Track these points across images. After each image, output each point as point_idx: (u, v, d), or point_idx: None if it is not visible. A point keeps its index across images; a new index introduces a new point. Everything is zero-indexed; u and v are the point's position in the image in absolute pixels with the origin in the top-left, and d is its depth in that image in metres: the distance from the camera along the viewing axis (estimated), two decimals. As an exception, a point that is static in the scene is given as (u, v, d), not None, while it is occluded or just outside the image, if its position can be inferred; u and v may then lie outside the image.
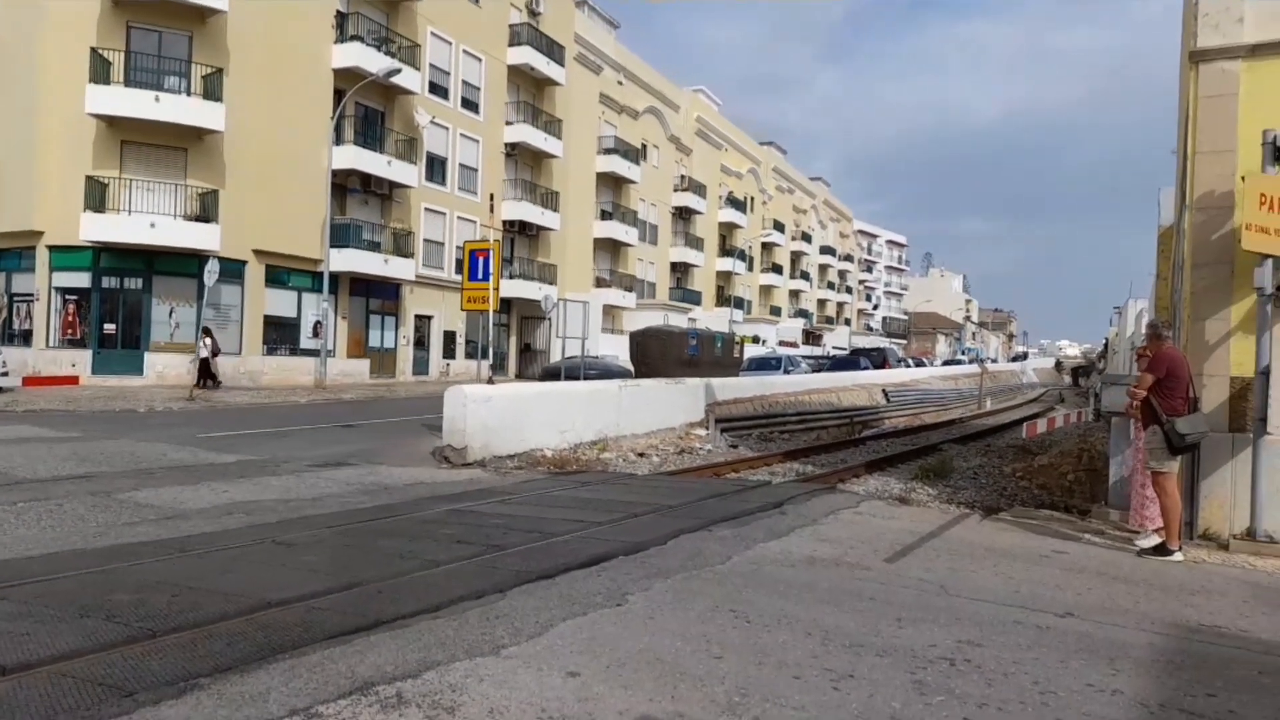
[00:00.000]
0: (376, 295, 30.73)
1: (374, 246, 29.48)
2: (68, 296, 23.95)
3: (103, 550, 6.09)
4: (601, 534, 7.00)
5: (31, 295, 24.01)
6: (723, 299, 59.59)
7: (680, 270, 55.21)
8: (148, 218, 23.24)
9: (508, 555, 6.12)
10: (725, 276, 60.60)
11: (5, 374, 19.87)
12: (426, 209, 32.80)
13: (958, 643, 4.55)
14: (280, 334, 27.12)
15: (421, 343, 33.29)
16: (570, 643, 4.27)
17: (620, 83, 47.34)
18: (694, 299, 54.39)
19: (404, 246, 30.60)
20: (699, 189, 55.17)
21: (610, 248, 46.23)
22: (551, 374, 27.12)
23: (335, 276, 27.41)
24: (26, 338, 23.96)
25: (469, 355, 34.63)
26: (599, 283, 44.57)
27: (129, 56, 23.62)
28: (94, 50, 22.98)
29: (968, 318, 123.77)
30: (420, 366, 32.98)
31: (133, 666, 3.80)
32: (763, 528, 7.37)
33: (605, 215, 45.13)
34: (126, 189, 23.47)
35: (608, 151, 44.63)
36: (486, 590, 5.13)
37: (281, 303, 27.12)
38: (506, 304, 35.99)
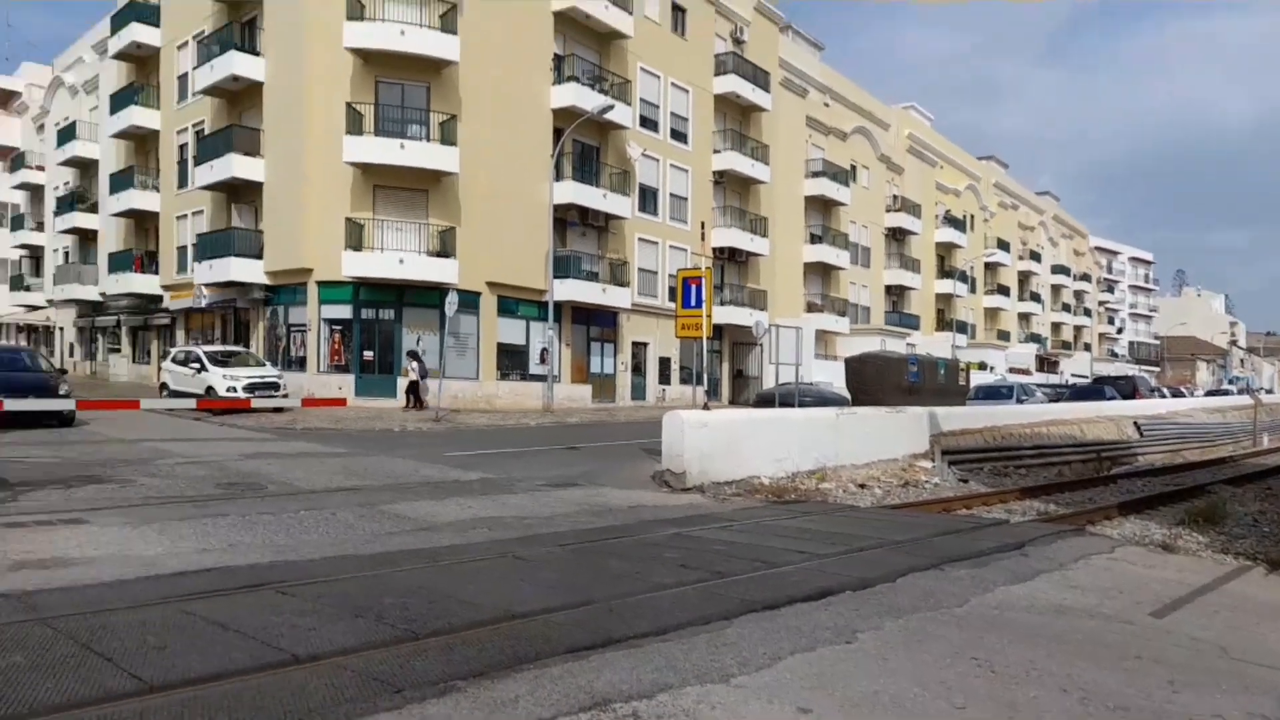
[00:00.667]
0: (596, 323, 32.06)
1: (592, 276, 30.84)
2: (333, 326, 26.94)
3: (370, 557, 6.76)
4: (826, 566, 6.86)
5: (304, 326, 27.23)
6: (943, 323, 56.81)
7: (895, 293, 53.29)
8: (397, 254, 25.73)
9: (732, 583, 6.14)
10: (945, 299, 57.76)
11: (286, 395, 22.61)
12: (640, 239, 33.88)
13: (1248, 715, 4.04)
14: (511, 360, 28.95)
15: (639, 369, 34.27)
16: (800, 677, 4.22)
17: (826, 104, 46.73)
18: (911, 323, 52.25)
19: (620, 276, 31.76)
20: (913, 208, 53.14)
21: (821, 271, 45.51)
22: (765, 400, 26.98)
23: (559, 305, 28.92)
24: (301, 363, 27.15)
25: (684, 381, 35.22)
26: (810, 307, 43.94)
27: (378, 109, 26.39)
28: (349, 105, 25.89)
29: (1233, 342, 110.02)
30: (638, 392, 33.96)
31: (400, 664, 4.18)
32: (1003, 570, 6.91)
33: (815, 239, 44.53)
34: (379, 229, 26.12)
35: (815, 174, 44.10)
36: (713, 617, 5.18)
37: (512, 331, 28.98)
38: (719, 330, 36.30)
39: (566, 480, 12.13)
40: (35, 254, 49.34)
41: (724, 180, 37.97)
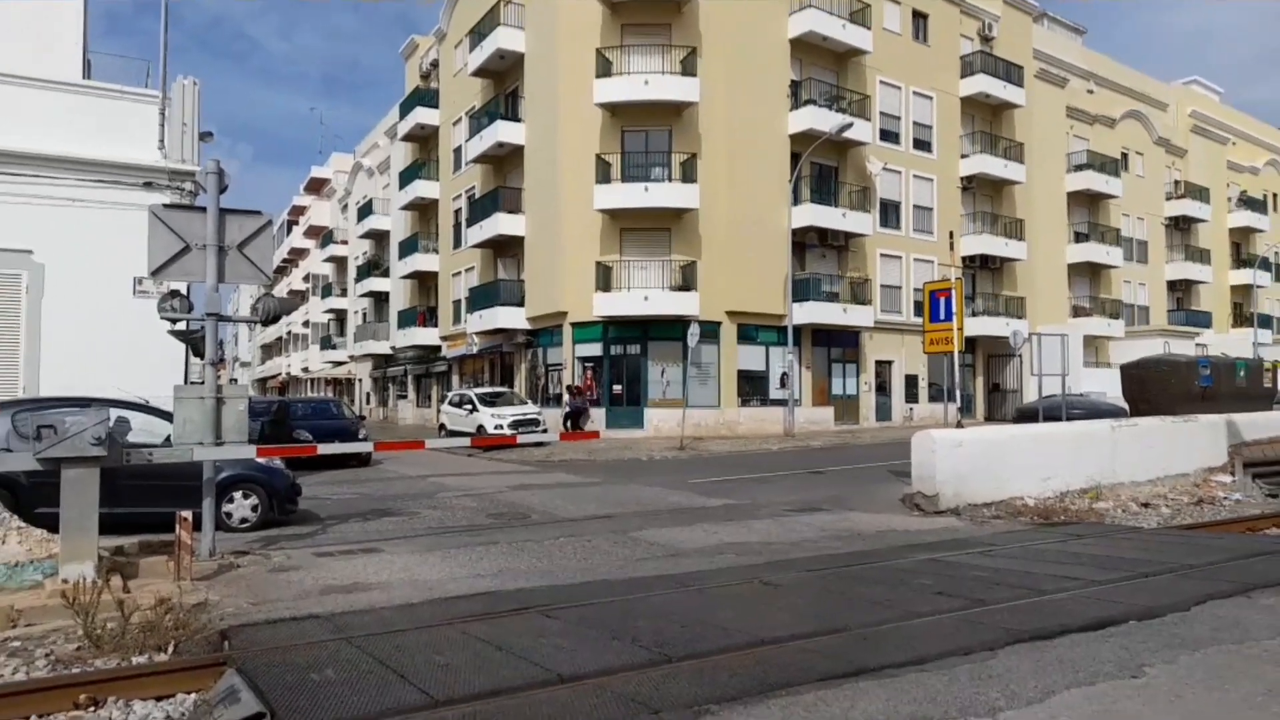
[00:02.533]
0: (837, 344, 31.41)
1: (832, 297, 30.30)
2: (585, 363, 28.54)
3: (624, 581, 7.08)
4: (1103, 594, 6.25)
5: (560, 364, 29.09)
6: (1241, 318, 49.68)
7: (1180, 289, 47.41)
8: (642, 292, 26.83)
9: (994, 611, 5.77)
10: (1242, 291, 50.48)
11: (545, 430, 24.22)
12: (882, 254, 32.84)
13: None
14: (751, 386, 29.06)
15: (883, 388, 33.12)
16: (1078, 715, 3.88)
17: (1090, 91, 42.84)
18: (1201, 321, 46.20)
19: (861, 294, 30.97)
20: (1199, 193, 47.11)
21: (1088, 272, 41.56)
22: (1028, 415, 25.01)
23: (798, 329, 28.69)
24: (558, 400, 28.99)
25: (932, 399, 33.54)
26: (1076, 311, 40.22)
27: (624, 157, 27.81)
28: (598, 156, 27.51)
29: None
30: (882, 412, 32.78)
31: (656, 686, 4.34)
32: (1329, 600, 5.93)
33: (1080, 237, 40.80)
34: (625, 269, 27.41)
35: (1079, 168, 40.49)
36: (975, 647, 4.90)
37: (751, 357, 29.11)
38: (971, 343, 34.23)
39: (811, 505, 11.97)
40: (340, 316, 57.04)
41: (973, 185, 35.94)
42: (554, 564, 7.94)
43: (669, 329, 27.01)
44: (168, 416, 8.77)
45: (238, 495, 10.34)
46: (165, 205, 8.96)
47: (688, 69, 27.36)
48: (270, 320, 9.39)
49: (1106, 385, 28.52)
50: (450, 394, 30.78)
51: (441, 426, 27.88)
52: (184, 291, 9.73)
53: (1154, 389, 18.70)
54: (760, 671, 4.53)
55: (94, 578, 6.11)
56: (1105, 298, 41.67)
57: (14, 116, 12.86)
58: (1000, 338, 31.99)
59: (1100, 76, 44.07)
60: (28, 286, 12.79)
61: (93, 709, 4.20)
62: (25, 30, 14.06)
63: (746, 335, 28.77)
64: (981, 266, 36.15)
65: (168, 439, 8.78)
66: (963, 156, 35.49)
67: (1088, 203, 41.59)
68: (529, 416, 25.12)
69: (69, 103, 13.43)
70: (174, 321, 9.08)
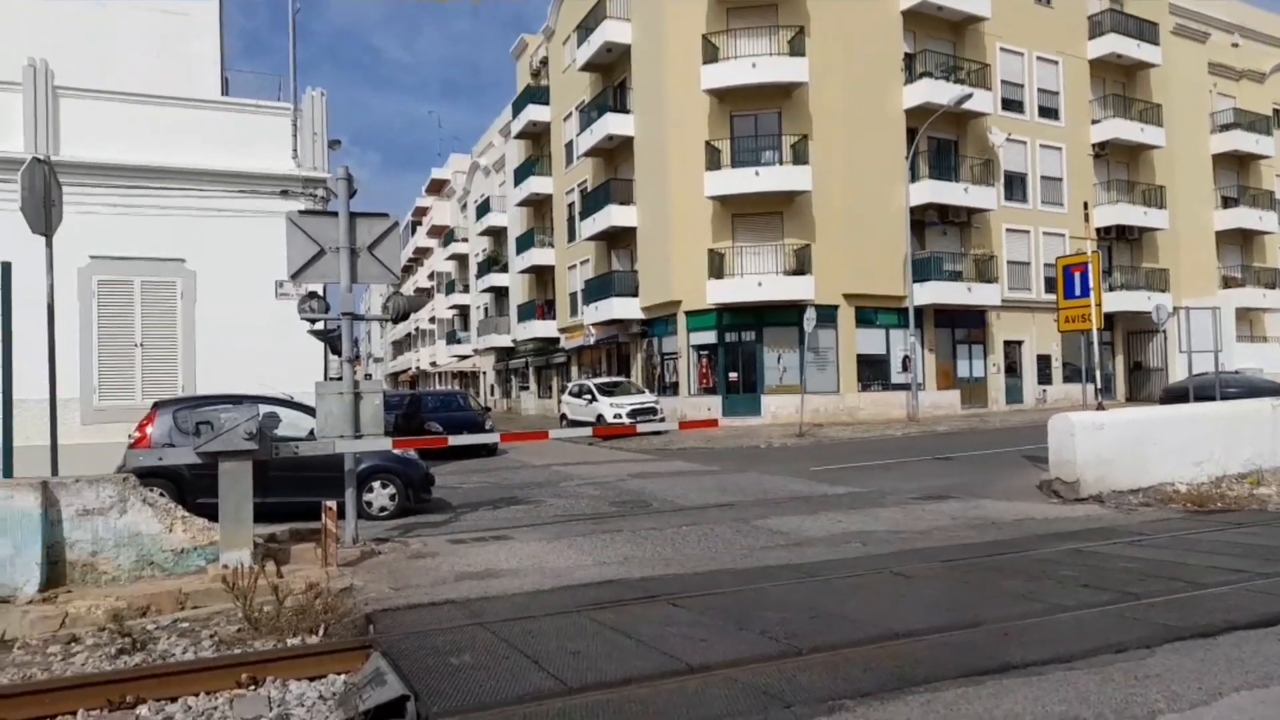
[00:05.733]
0: (961, 325, 30.21)
1: (955, 276, 29.16)
2: (701, 352, 28.48)
3: (748, 570, 7.03)
4: (1271, 588, 5.79)
5: (675, 353, 29.13)
6: None
7: (1349, 254, 43.32)
8: (755, 278, 26.52)
9: (1148, 605, 5.43)
10: None
11: (663, 419, 24.33)
12: (1008, 229, 31.34)
13: None
14: (871, 370, 28.33)
15: (1012, 369, 31.66)
16: (1250, 718, 3.61)
17: (1235, 45, 39.55)
18: (1374, 288, 42.07)
19: (986, 272, 29.67)
20: (1368, 147, 42.83)
21: (1239, 239, 38.46)
22: (1176, 395, 23.46)
23: (919, 310, 27.75)
24: (675, 388, 29.06)
25: (1067, 379, 31.84)
26: (1227, 283, 37.31)
27: (733, 142, 27.50)
28: (707, 143, 27.30)
29: None
30: (1013, 395, 31.35)
31: (786, 679, 4.29)
32: None
33: (1228, 202, 37.78)
34: (738, 255, 27.15)
35: (1225, 128, 37.45)
36: (1128, 644, 4.62)
37: (871, 341, 28.36)
38: (1109, 320, 32.22)
39: (939, 492, 11.57)
40: (463, 312, 59.02)
41: (1106, 152, 33.82)
42: (678, 552, 7.97)
43: (784, 314, 26.61)
44: (310, 411, 9.27)
45: (376, 485, 10.84)
46: (300, 211, 9.47)
47: (796, 49, 26.76)
48: (400, 317, 9.80)
49: (1264, 361, 26.46)
50: (570, 384, 31.32)
51: (563, 416, 28.42)
52: (320, 293, 10.25)
53: (1322, 364, 17.16)
54: (895, 666, 4.42)
55: (250, 564, 6.53)
56: (1259, 266, 38.48)
57: (161, 133, 13.82)
58: (1142, 313, 30.08)
59: (1246, 28, 40.64)
60: (182, 293, 13.76)
61: (253, 688, 4.49)
62: (166, 52, 15.12)
63: (865, 318, 28.05)
64: (1119, 238, 34.01)
65: (311, 433, 9.29)
66: (1094, 122, 33.44)
67: (1236, 165, 38.47)
68: (646, 405, 25.29)
69: (209, 118, 14.34)
70: (312, 321, 9.59)
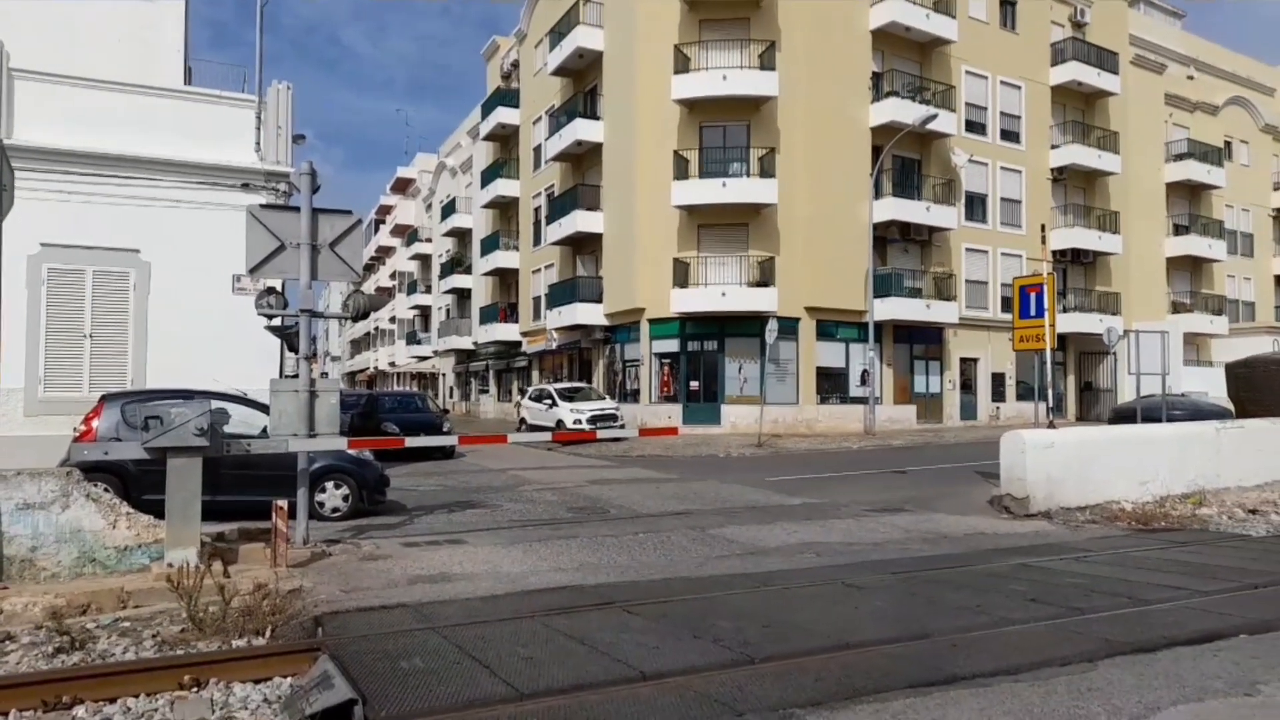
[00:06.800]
0: (919, 341, 30.67)
1: (915, 293, 29.60)
2: (663, 360, 28.53)
3: (703, 579, 7.05)
4: (1210, 605, 5.94)
5: (637, 361, 29.15)
6: (1360, 315, 46.57)
7: (1291, 284, 44.79)
8: (719, 288, 26.67)
9: (1092, 620, 5.55)
10: (1364, 285, 47.34)
11: (623, 426, 24.31)
12: (967, 249, 31.92)
13: None
14: (830, 383, 28.61)
15: (968, 386, 32.21)
16: (1185, 733, 3.70)
17: (1190, 77, 40.83)
18: (1314, 317, 43.55)
19: (945, 290, 30.17)
20: (1313, 182, 44.39)
21: (1188, 266, 39.59)
22: (1124, 415, 23.98)
23: (879, 325, 28.10)
24: (636, 396, 29.07)
25: (1020, 397, 32.48)
26: (1176, 307, 38.39)
27: (701, 153, 27.67)
28: (675, 152, 27.44)
29: None
30: (968, 411, 31.89)
31: (738, 688, 4.31)
32: None
33: (1179, 230, 38.89)
34: (702, 265, 27.28)
35: (1179, 157, 38.59)
36: (1072, 658, 4.72)
37: (831, 354, 28.65)
38: (1062, 340, 32.95)
39: (893, 505, 11.71)
40: (424, 312, 58.48)
41: (1064, 176, 34.64)
42: (634, 559, 7.96)
43: (747, 325, 26.77)
44: (264, 408, 9.11)
45: (330, 485, 10.68)
46: (262, 205, 9.30)
47: (766, 63, 27.06)
48: (360, 316, 9.69)
49: (1209, 385, 27.15)
50: (530, 389, 31.18)
51: (522, 421, 28.28)
52: (279, 289, 10.10)
53: (1263, 389, 17.73)
54: (845, 676, 4.46)
55: (197, 563, 6.39)
56: (1207, 293, 39.65)
57: (120, 122, 13.51)
58: (1094, 335, 30.76)
59: (1201, 61, 41.97)
60: (135, 284, 13.46)
61: (195, 689, 4.39)
62: (129, 39, 14.78)
63: (826, 332, 28.33)
64: (1073, 261, 34.80)
65: (264, 430, 9.13)
66: (1053, 147, 34.24)
67: (1188, 194, 39.64)
68: (606, 412, 25.27)
69: (171, 107, 14.05)
70: (270, 317, 9.43)
